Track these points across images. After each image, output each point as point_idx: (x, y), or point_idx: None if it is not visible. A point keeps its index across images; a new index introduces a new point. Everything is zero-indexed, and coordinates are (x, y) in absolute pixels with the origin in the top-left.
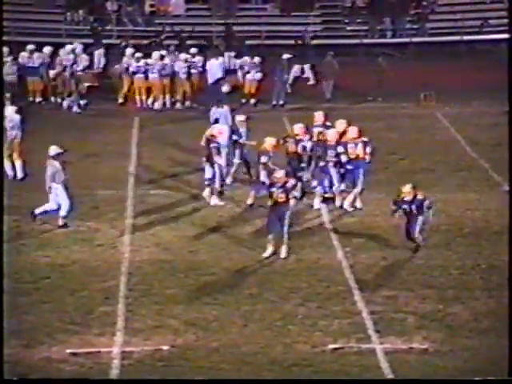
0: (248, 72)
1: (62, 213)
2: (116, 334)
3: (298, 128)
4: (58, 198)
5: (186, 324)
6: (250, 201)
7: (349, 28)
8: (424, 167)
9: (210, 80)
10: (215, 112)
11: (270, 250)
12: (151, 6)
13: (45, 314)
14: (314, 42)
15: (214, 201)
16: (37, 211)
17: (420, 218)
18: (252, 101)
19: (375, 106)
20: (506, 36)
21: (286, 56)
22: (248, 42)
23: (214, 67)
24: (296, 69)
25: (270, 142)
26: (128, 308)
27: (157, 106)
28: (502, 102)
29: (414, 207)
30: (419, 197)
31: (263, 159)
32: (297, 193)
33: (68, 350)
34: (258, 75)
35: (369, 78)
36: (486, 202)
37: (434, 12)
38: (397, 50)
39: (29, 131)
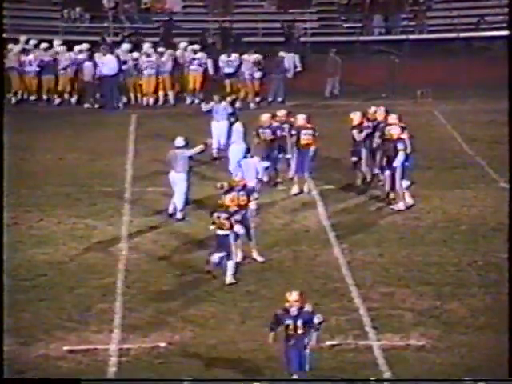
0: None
1: (179, 205)
2: (113, 331)
3: (357, 116)
4: (177, 187)
5: (184, 321)
6: (392, 195)
7: (346, 25)
8: (420, 164)
9: (106, 73)
10: (213, 105)
11: (239, 254)
12: (145, 3)
13: (42, 312)
14: (311, 39)
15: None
16: (177, 214)
17: (305, 343)
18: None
19: (372, 103)
20: (502, 33)
21: (281, 53)
22: (245, 39)
23: (110, 62)
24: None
25: (395, 129)
26: (125, 305)
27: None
28: (498, 100)
29: (299, 323)
30: (307, 308)
31: (401, 146)
32: (257, 194)
33: (65, 347)
34: (258, 74)
35: (368, 75)
36: (482, 198)
37: (430, 9)
38: (393, 47)
39: (27, 130)
